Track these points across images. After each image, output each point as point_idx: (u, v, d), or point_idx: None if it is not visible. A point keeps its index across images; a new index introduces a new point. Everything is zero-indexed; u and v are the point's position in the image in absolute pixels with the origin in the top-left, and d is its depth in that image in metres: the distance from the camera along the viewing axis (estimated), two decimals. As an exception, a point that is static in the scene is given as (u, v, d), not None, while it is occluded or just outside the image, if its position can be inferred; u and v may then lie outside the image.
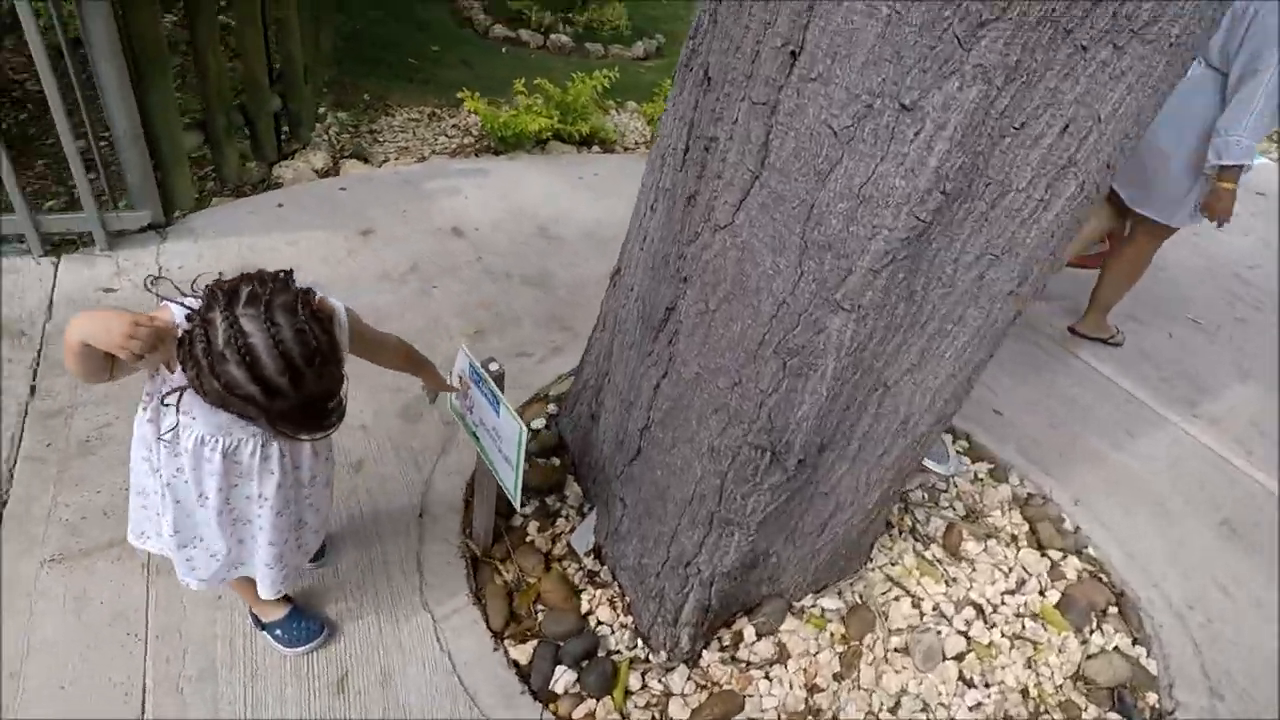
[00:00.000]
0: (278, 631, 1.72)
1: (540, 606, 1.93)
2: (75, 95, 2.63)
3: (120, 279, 2.67)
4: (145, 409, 1.33)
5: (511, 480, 1.67)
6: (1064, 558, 2.26)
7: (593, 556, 2.06)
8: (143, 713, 1.57)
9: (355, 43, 5.20)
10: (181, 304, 1.17)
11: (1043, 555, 2.25)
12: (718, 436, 1.55)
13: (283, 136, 3.62)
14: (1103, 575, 2.25)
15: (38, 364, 2.28)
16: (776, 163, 1.24)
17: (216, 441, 1.32)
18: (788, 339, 1.35)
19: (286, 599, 1.75)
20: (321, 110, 4.17)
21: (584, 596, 1.96)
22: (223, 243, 2.94)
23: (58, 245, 2.73)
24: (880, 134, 1.11)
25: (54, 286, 2.59)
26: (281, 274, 1.17)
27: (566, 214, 3.57)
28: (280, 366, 1.08)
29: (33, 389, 2.20)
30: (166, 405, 1.26)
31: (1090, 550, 2.32)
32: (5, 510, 1.88)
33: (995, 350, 1.48)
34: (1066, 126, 1.11)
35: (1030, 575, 2.18)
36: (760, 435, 1.48)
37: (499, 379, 1.69)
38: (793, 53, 1.15)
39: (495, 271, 3.12)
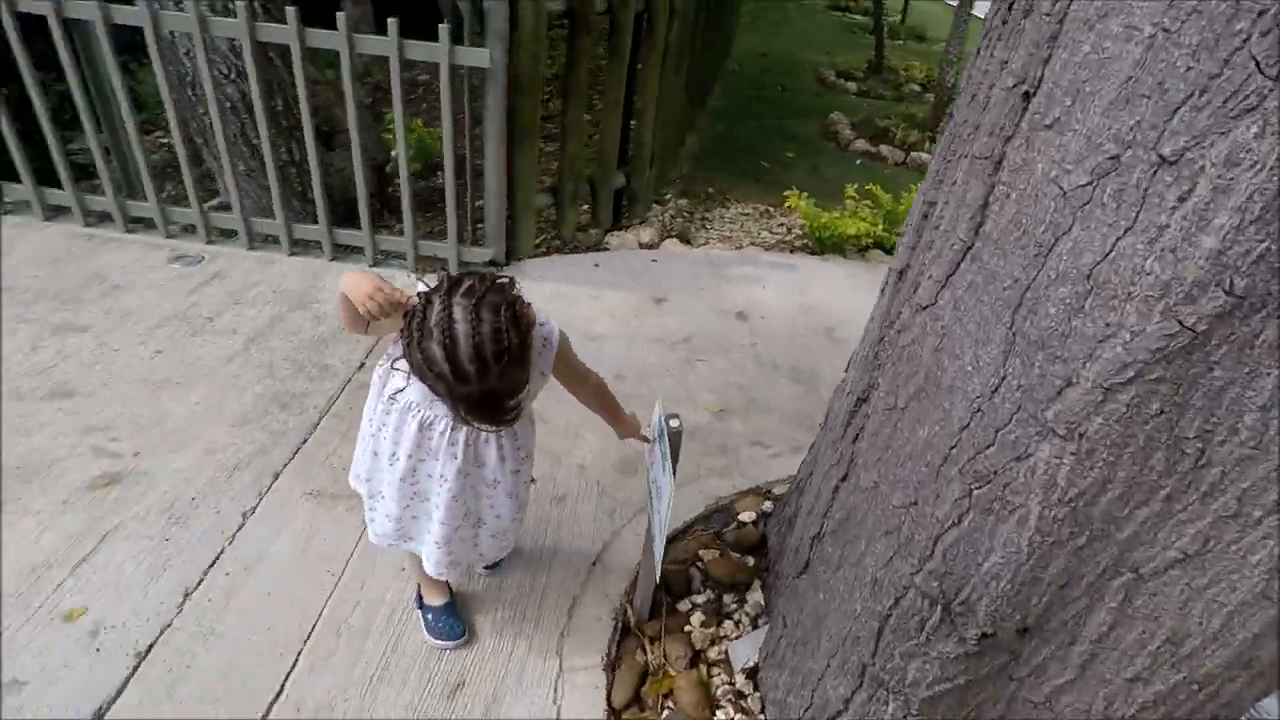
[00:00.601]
0: (429, 617, 1.81)
1: (669, 704, 1.73)
2: (466, 153, 3.30)
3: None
4: (380, 366, 1.53)
5: (657, 543, 1.55)
6: None
7: (746, 676, 1.79)
8: (304, 643, 1.75)
9: (722, 143, 5.69)
10: (425, 284, 1.34)
11: None
12: (882, 567, 1.24)
13: (621, 210, 4.06)
14: None
15: (371, 348, 2.81)
16: (993, 232, 0.99)
17: (419, 411, 1.46)
18: (977, 459, 1.04)
19: (449, 591, 1.85)
20: (667, 195, 4.61)
21: (720, 715, 1.71)
22: (540, 285, 3.36)
23: (422, 263, 3.39)
24: (1126, 195, 0.81)
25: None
26: (504, 279, 1.27)
27: (858, 318, 3.35)
28: (471, 355, 1.16)
29: (361, 364, 2.72)
30: (396, 369, 1.44)
31: None
32: (304, 446, 2.30)
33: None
34: None
35: None
36: (930, 579, 1.15)
37: (675, 436, 1.60)
38: (1026, 94, 0.92)
39: (764, 359, 3.05)
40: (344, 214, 3.44)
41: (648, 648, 1.85)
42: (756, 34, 9.79)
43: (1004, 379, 0.98)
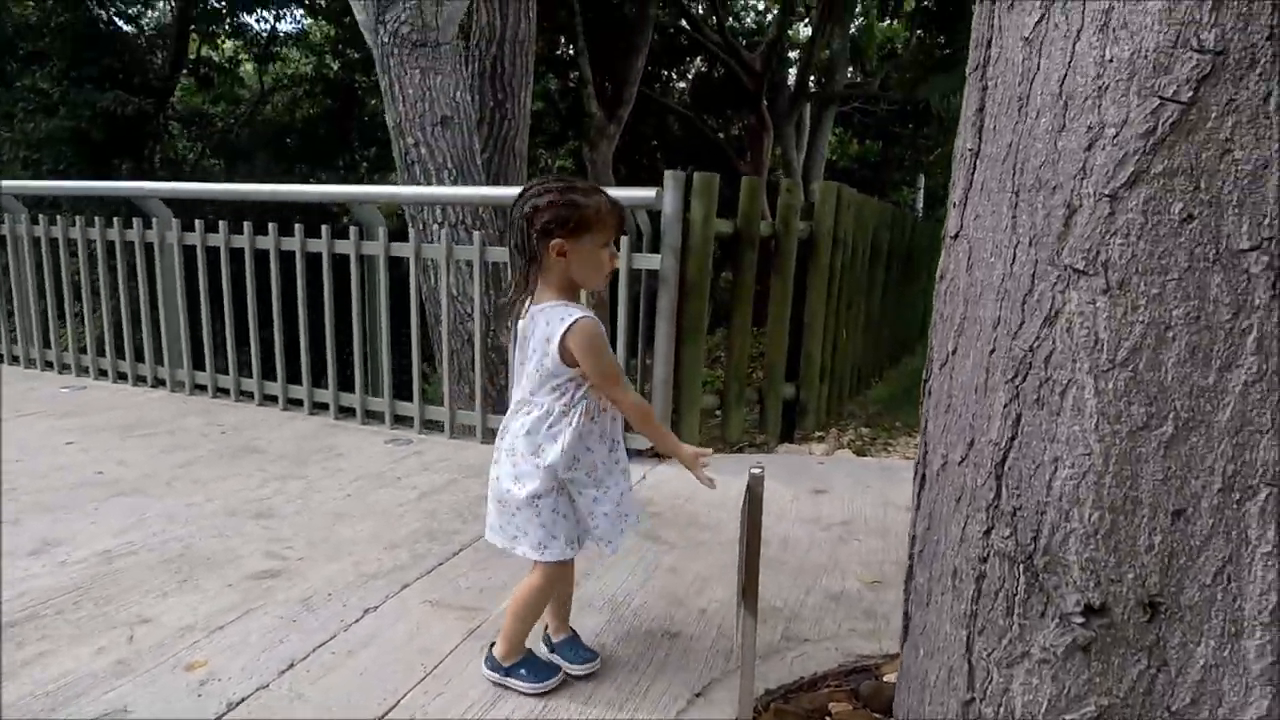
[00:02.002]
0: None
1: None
2: (639, 349, 3.67)
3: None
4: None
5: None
6: None
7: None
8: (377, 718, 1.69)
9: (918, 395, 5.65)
10: None
11: None
12: (958, 546, 1.02)
13: (794, 423, 4.10)
14: None
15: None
16: (991, 126, 0.99)
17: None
18: (1014, 345, 0.91)
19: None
20: (849, 423, 4.58)
21: None
22: (684, 475, 3.39)
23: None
24: (1069, 1, 0.83)
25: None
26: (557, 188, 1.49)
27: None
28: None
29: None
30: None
31: None
32: (439, 567, 2.41)
33: None
34: None
35: None
36: (1003, 529, 0.94)
37: (755, 484, 1.50)
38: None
39: (932, 542, 2.71)
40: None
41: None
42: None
43: (1017, 244, 0.91)
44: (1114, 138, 0.79)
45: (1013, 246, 0.92)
